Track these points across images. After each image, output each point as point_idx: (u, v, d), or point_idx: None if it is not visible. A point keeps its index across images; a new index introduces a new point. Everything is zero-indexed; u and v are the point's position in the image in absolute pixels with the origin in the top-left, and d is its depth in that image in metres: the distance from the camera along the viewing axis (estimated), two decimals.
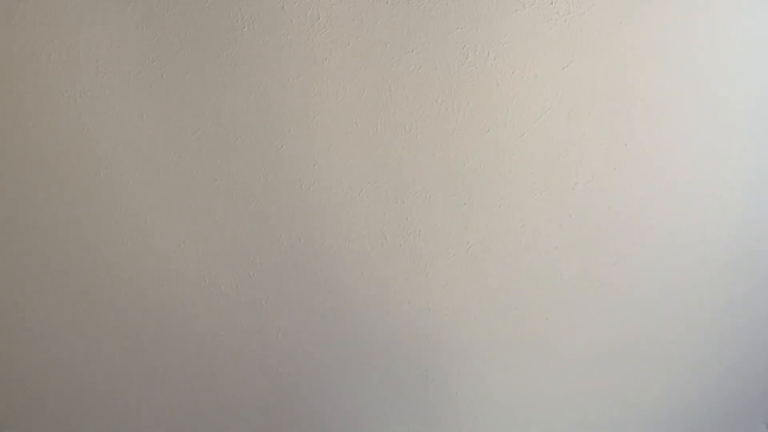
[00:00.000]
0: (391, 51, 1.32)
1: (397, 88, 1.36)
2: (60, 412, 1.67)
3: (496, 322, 1.63)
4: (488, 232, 1.51)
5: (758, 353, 1.74)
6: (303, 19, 1.30)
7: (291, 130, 1.39)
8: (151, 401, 1.67)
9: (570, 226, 1.52)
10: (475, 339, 1.64)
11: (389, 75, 1.34)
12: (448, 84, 1.36)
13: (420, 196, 1.47)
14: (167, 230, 1.47)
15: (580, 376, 1.73)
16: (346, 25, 1.30)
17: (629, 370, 1.73)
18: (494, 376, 1.70)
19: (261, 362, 1.64)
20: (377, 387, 1.69)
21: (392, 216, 1.48)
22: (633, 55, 1.36)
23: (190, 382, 1.65)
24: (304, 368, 1.66)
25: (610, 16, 1.32)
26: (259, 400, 1.69)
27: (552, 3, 1.30)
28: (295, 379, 1.67)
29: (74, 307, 1.54)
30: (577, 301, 1.62)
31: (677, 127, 1.45)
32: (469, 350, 1.65)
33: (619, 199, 1.50)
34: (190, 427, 1.71)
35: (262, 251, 1.51)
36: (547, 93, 1.38)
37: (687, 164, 1.49)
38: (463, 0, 1.29)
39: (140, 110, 1.35)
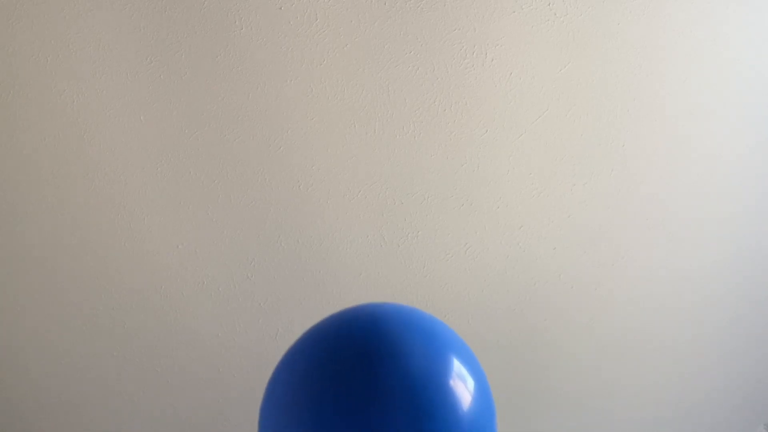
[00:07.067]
0: (389, 52, 1.32)
1: (395, 89, 1.35)
2: (58, 413, 1.67)
3: (495, 322, 1.63)
4: (487, 232, 1.51)
5: (759, 353, 1.74)
6: (301, 20, 1.29)
7: (289, 131, 1.39)
8: (150, 402, 1.67)
9: (568, 227, 1.52)
10: (475, 339, 1.64)
11: (387, 76, 1.34)
12: (446, 85, 1.35)
13: (418, 196, 1.46)
14: (166, 231, 1.47)
15: (580, 376, 1.73)
16: (344, 25, 1.30)
17: (629, 371, 1.73)
18: (494, 376, 1.69)
19: (261, 362, 1.64)
20: None
21: (391, 216, 1.48)
22: (630, 55, 1.36)
23: (190, 382, 1.65)
24: None
25: (607, 17, 1.32)
26: (259, 400, 1.69)
27: (549, 4, 1.29)
28: None
29: (72, 308, 1.54)
30: (577, 301, 1.62)
31: (675, 128, 1.45)
32: None
33: (618, 199, 1.50)
34: (190, 427, 1.71)
35: (260, 252, 1.51)
36: (545, 94, 1.38)
37: (685, 165, 1.49)
38: (460, 1, 1.29)
39: (138, 111, 1.35)
